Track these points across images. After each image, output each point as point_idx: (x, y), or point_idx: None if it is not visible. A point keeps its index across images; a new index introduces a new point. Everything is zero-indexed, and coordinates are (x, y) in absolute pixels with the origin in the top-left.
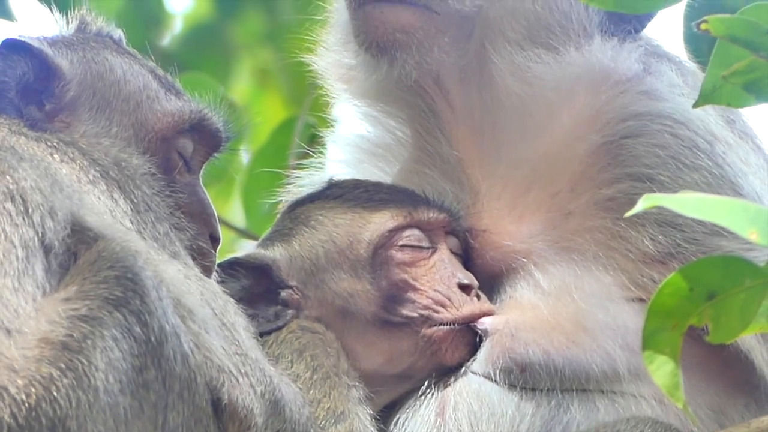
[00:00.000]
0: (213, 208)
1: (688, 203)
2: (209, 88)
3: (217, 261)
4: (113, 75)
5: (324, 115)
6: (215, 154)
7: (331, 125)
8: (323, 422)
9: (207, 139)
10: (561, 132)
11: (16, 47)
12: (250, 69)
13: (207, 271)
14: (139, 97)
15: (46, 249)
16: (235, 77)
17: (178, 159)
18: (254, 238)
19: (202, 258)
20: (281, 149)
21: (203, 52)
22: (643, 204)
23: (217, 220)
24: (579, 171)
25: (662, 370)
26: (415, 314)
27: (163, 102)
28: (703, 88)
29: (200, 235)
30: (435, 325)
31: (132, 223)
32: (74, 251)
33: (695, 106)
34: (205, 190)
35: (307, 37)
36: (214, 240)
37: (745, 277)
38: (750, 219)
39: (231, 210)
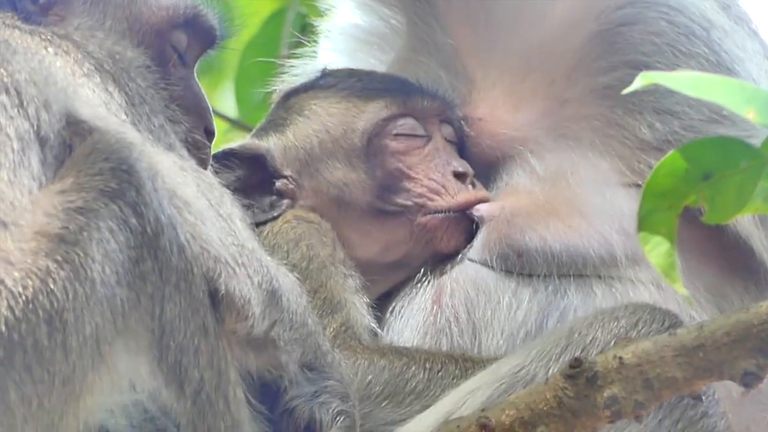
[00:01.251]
0: (207, 101)
1: (684, 82)
2: None
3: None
4: None
5: (316, 4)
6: (209, 51)
7: (324, 14)
8: (320, 312)
9: (201, 35)
10: (557, 20)
11: None
12: None
13: (202, 163)
14: None
15: (42, 141)
16: None
17: (172, 52)
18: (247, 128)
19: (197, 150)
20: (272, 39)
21: None
22: (639, 82)
23: (212, 114)
24: (575, 59)
25: (658, 250)
26: (410, 202)
27: None
28: None
29: (195, 128)
30: (430, 213)
31: (127, 115)
32: (69, 144)
33: None
34: (200, 85)
35: None
36: (209, 133)
37: (741, 158)
38: (747, 98)
39: (223, 100)
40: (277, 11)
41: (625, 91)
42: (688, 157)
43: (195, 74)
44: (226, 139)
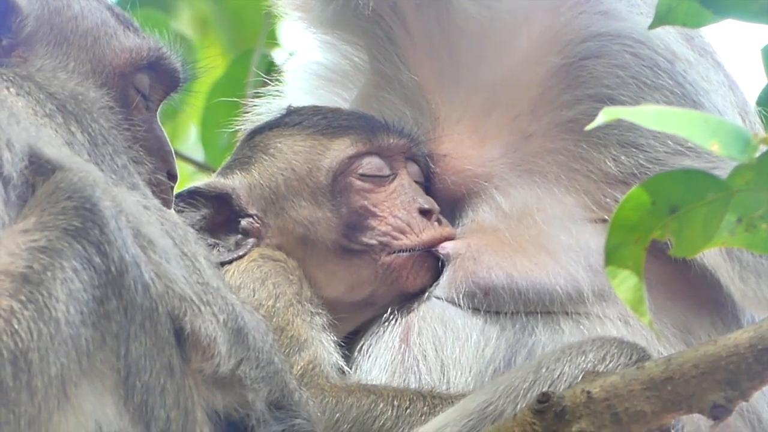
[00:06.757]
0: (170, 145)
1: (648, 116)
2: (161, 25)
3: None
4: (70, 10)
5: (279, 44)
6: (172, 94)
7: (288, 53)
8: (287, 350)
9: (164, 77)
10: (520, 55)
11: None
12: (189, 20)
13: (166, 204)
14: (96, 33)
15: (5, 181)
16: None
17: (136, 94)
18: (213, 171)
19: (160, 191)
20: (238, 82)
21: (142, 5)
22: (603, 117)
23: (174, 158)
24: (539, 93)
25: (626, 284)
26: (375, 241)
27: (121, 38)
28: (658, 8)
29: (158, 170)
30: (394, 252)
31: (89, 155)
32: (32, 183)
33: (651, 27)
34: (162, 129)
35: None
36: (172, 177)
37: (707, 190)
38: (711, 130)
39: (189, 145)
40: (243, 53)
41: (589, 127)
42: (654, 190)
43: (158, 118)
44: (192, 183)
